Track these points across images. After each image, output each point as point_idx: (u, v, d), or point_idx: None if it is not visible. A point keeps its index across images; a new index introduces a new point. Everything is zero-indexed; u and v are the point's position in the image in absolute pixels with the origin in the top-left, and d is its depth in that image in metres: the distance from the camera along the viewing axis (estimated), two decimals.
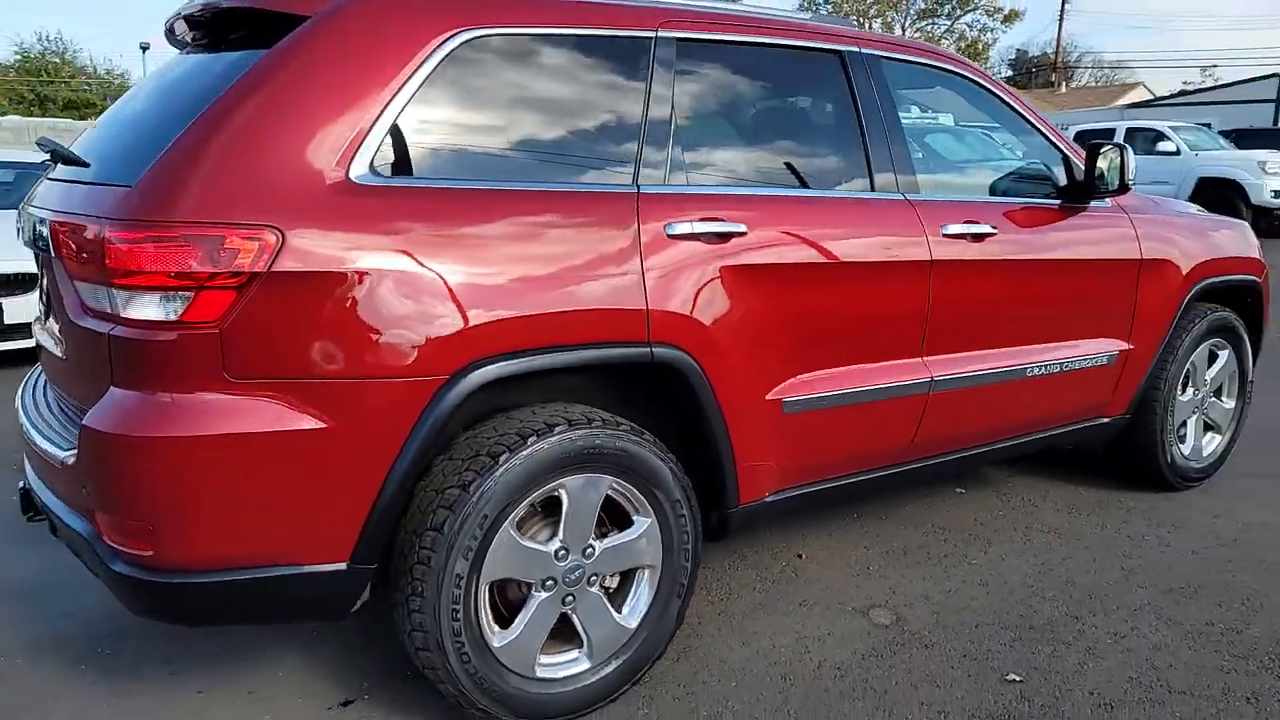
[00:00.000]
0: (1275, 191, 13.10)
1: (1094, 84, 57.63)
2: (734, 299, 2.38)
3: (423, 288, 1.97)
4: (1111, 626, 2.79)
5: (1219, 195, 12.73)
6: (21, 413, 2.36)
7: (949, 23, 51.72)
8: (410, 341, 1.96)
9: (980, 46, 52.30)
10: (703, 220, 2.35)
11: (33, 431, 2.20)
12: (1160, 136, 14.74)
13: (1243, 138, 16.15)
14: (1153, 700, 2.41)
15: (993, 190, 3.31)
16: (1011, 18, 50.58)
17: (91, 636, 2.71)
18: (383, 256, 1.94)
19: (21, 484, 2.40)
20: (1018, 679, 2.50)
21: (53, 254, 2.06)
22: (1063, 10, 48.54)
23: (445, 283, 1.99)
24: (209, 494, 1.87)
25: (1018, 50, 56.18)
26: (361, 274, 1.92)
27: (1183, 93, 32.96)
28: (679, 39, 2.44)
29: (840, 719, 2.34)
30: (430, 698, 2.36)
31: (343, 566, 2.00)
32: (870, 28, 51.46)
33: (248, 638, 2.70)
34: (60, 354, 2.20)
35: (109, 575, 1.95)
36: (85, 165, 2.11)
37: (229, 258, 1.81)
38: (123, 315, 1.84)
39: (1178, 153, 14.21)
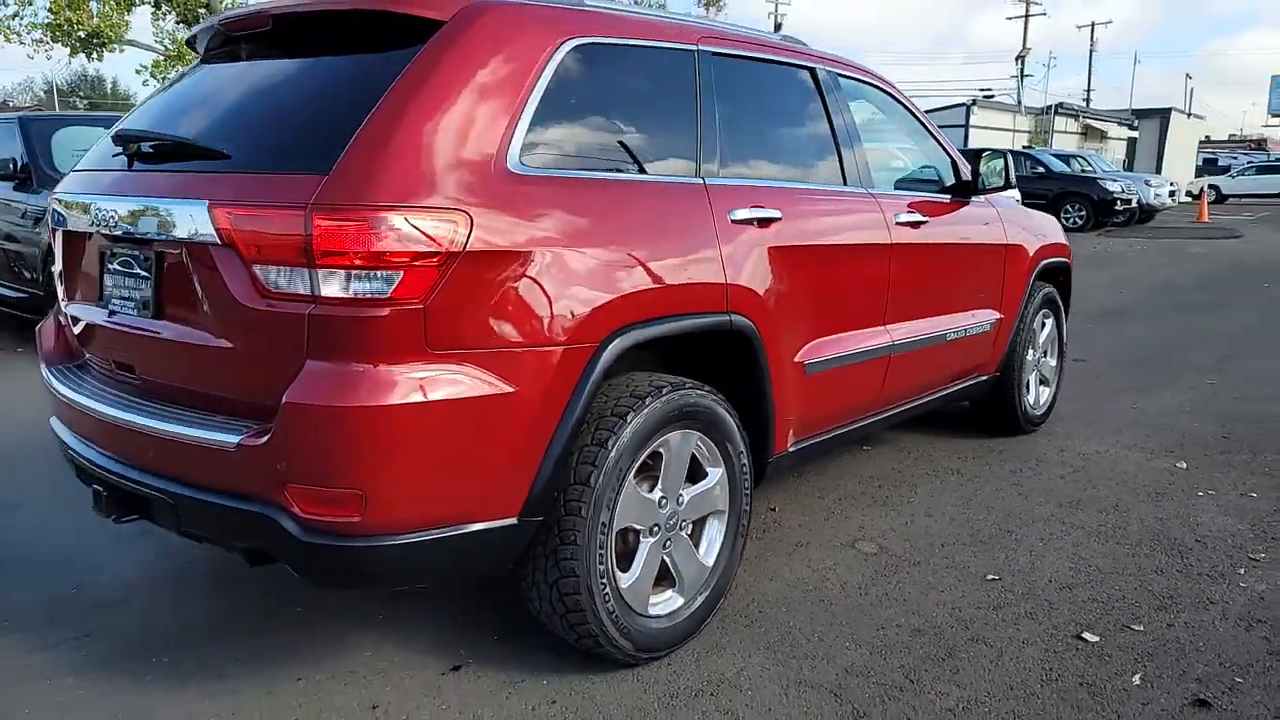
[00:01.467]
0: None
1: None
2: (776, 275, 2.79)
3: (574, 264, 2.21)
4: (1037, 534, 3.48)
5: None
6: (116, 410, 2.29)
7: None
8: (570, 311, 2.19)
9: None
10: (752, 208, 2.74)
11: (163, 424, 2.17)
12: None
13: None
14: (1091, 580, 3.08)
15: (899, 186, 3.95)
16: None
17: (173, 638, 2.63)
18: (543, 237, 2.16)
19: (99, 488, 2.34)
20: (994, 578, 3.10)
21: (191, 242, 2.08)
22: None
23: (589, 259, 2.24)
24: (415, 459, 2.00)
25: None
26: (529, 253, 2.13)
27: None
28: (713, 53, 2.82)
29: (883, 622, 2.80)
30: (526, 653, 2.59)
31: (514, 521, 2.18)
32: None
33: (312, 625, 2.73)
34: (171, 340, 2.20)
35: (297, 549, 2.01)
36: (226, 157, 2.13)
37: (436, 239, 1.97)
38: (328, 295, 1.93)
39: None
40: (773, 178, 2.97)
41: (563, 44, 2.36)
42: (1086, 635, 2.73)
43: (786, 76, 3.18)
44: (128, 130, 2.36)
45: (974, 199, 4.01)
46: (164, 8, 30.32)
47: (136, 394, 2.35)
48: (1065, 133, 35.27)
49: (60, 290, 2.74)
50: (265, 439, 1.99)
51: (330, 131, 2.03)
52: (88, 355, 2.66)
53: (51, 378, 2.64)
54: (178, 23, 30.67)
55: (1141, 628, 2.78)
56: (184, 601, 2.95)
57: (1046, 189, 19.28)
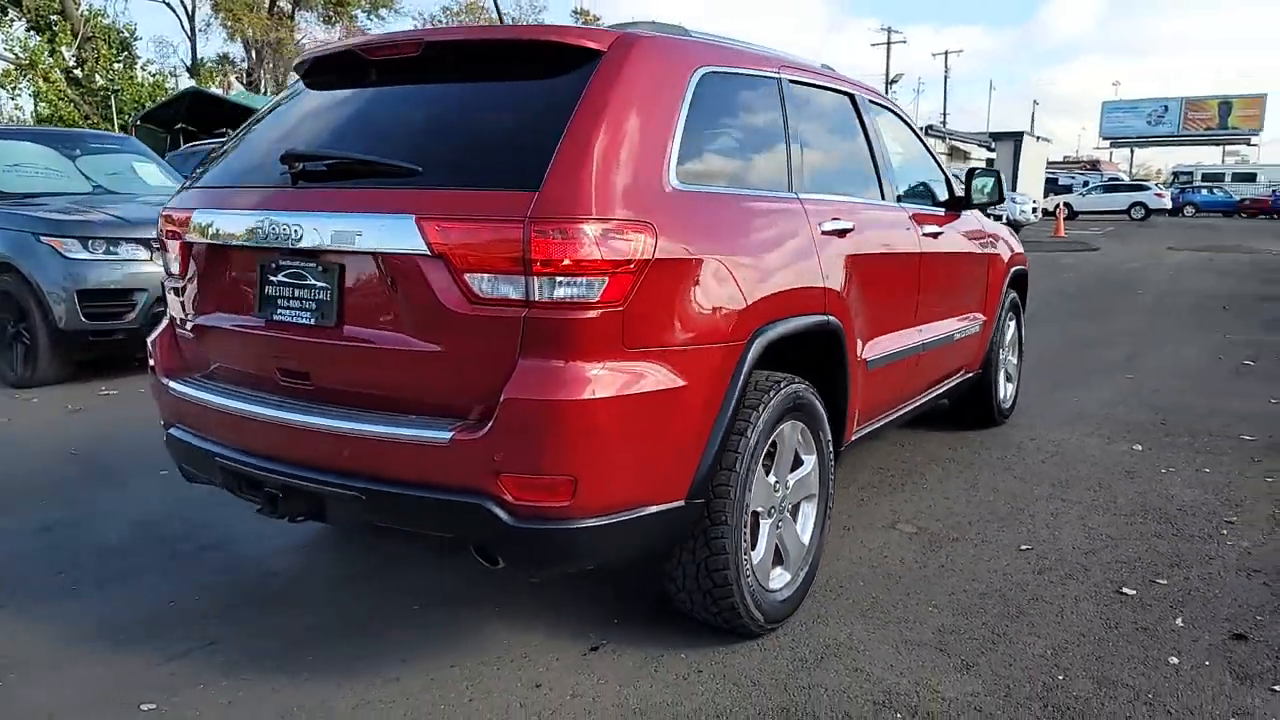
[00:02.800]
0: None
1: None
2: (851, 280, 3.10)
3: (725, 271, 2.46)
4: (1044, 510, 3.91)
5: None
6: (297, 415, 2.39)
7: None
8: (725, 313, 2.44)
9: None
10: (833, 220, 3.05)
11: (361, 425, 2.28)
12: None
13: None
14: (1106, 545, 3.52)
15: (903, 199, 4.34)
16: None
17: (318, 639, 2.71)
18: (702, 246, 2.40)
19: (273, 491, 2.43)
20: (1027, 548, 3.50)
21: (400, 253, 2.22)
22: None
23: (736, 266, 2.50)
24: (617, 446, 2.21)
25: None
26: (695, 260, 2.37)
27: None
28: (790, 80, 3.12)
29: (950, 589, 3.14)
30: (652, 632, 2.81)
31: (681, 504, 2.40)
32: None
33: (434, 621, 2.86)
34: (358, 346, 2.33)
35: (507, 533, 2.17)
36: (417, 173, 2.28)
37: (631, 248, 2.18)
38: (541, 300, 2.12)
39: None
40: (837, 193, 3.29)
41: (696, 71, 2.60)
42: (1125, 590, 3.14)
43: (838, 102, 3.51)
44: (298, 150, 2.45)
45: (964, 213, 4.44)
46: (10, 12, 28.53)
47: (310, 398, 2.44)
48: None
49: (180, 303, 2.78)
50: (483, 432, 2.15)
51: (529, 151, 2.21)
52: (217, 365, 2.72)
53: (187, 389, 2.69)
54: (28, 29, 28.92)
55: (1165, 581, 3.21)
56: (298, 607, 3.01)
57: None
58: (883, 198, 3.63)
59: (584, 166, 2.18)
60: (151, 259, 6.41)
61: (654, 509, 2.33)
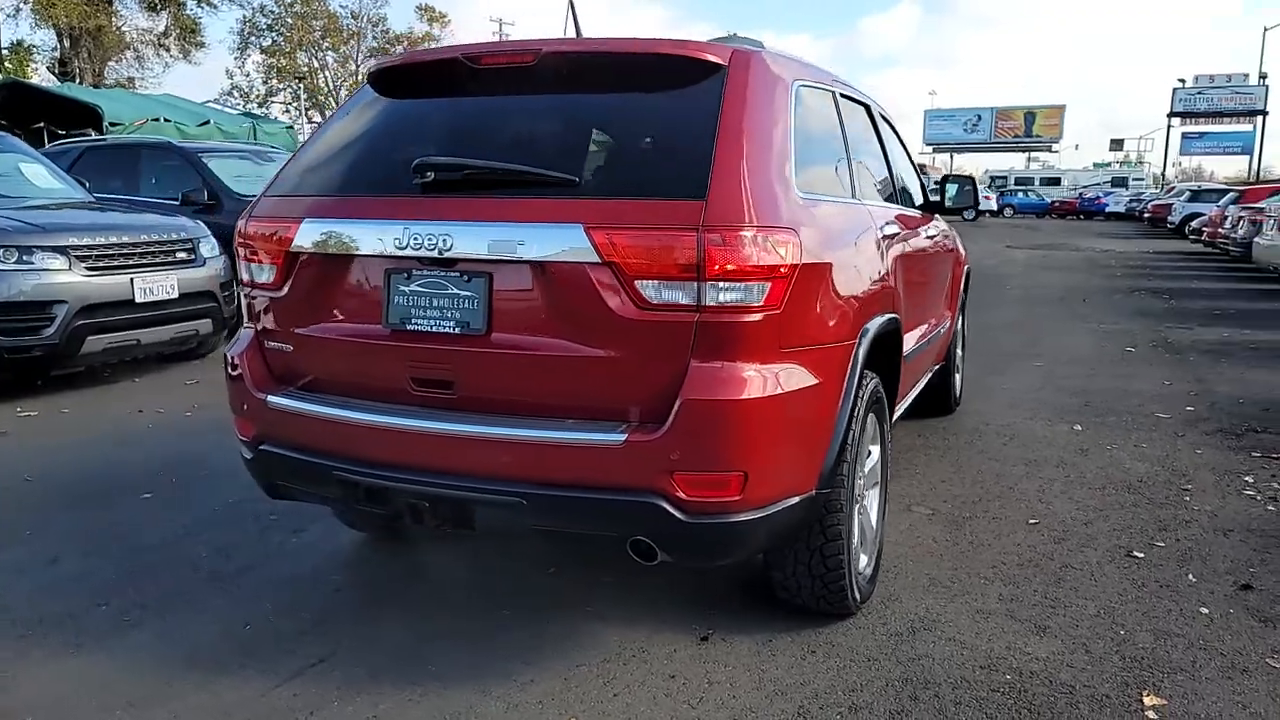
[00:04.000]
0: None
1: None
2: (900, 280, 3.34)
3: (842, 274, 2.63)
4: (1029, 487, 4.29)
5: None
6: (450, 425, 2.38)
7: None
8: (845, 313, 2.61)
9: None
10: (886, 223, 3.28)
11: (525, 432, 2.31)
12: None
13: None
14: (1098, 516, 3.92)
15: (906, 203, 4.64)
16: None
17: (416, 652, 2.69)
18: (828, 251, 2.56)
19: (420, 503, 2.42)
20: (1034, 521, 3.84)
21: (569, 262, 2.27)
22: None
23: (847, 270, 2.67)
24: (779, 442, 2.34)
25: None
26: (825, 264, 2.53)
27: None
28: (840, 94, 3.32)
29: (989, 562, 3.43)
30: (751, 617, 2.96)
31: (813, 494, 2.55)
32: (324, 60, 51.71)
33: (528, 623, 2.90)
34: (514, 353, 2.36)
35: (678, 529, 2.26)
36: (574, 182, 2.32)
37: (786, 254, 2.31)
38: (712, 304, 2.22)
39: None
40: (878, 199, 3.52)
41: (794, 85, 2.76)
42: (1135, 553, 3.52)
43: (864, 112, 3.75)
44: (433, 160, 2.43)
45: (936, 215, 4.79)
46: None
47: (453, 406, 2.43)
48: None
49: (275, 315, 2.69)
50: (659, 433, 2.23)
51: (686, 162, 2.31)
52: (315, 377, 2.65)
53: (291, 402, 2.61)
54: None
55: (1162, 544, 3.62)
56: (383, 620, 2.96)
57: None
58: (898, 201, 3.90)
59: (740, 176, 2.30)
60: (70, 269, 6.00)
61: (796, 499, 2.47)
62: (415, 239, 2.37)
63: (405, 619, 2.96)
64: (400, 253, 2.41)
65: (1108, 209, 42.16)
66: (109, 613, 3.02)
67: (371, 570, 3.38)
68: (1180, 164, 54.45)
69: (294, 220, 2.59)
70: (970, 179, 4.75)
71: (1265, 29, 44.46)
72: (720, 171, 2.28)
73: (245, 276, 2.79)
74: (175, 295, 6.70)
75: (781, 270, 2.31)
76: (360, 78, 51.81)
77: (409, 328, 2.46)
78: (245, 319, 2.86)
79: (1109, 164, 62.64)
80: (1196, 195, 27.29)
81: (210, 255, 7.15)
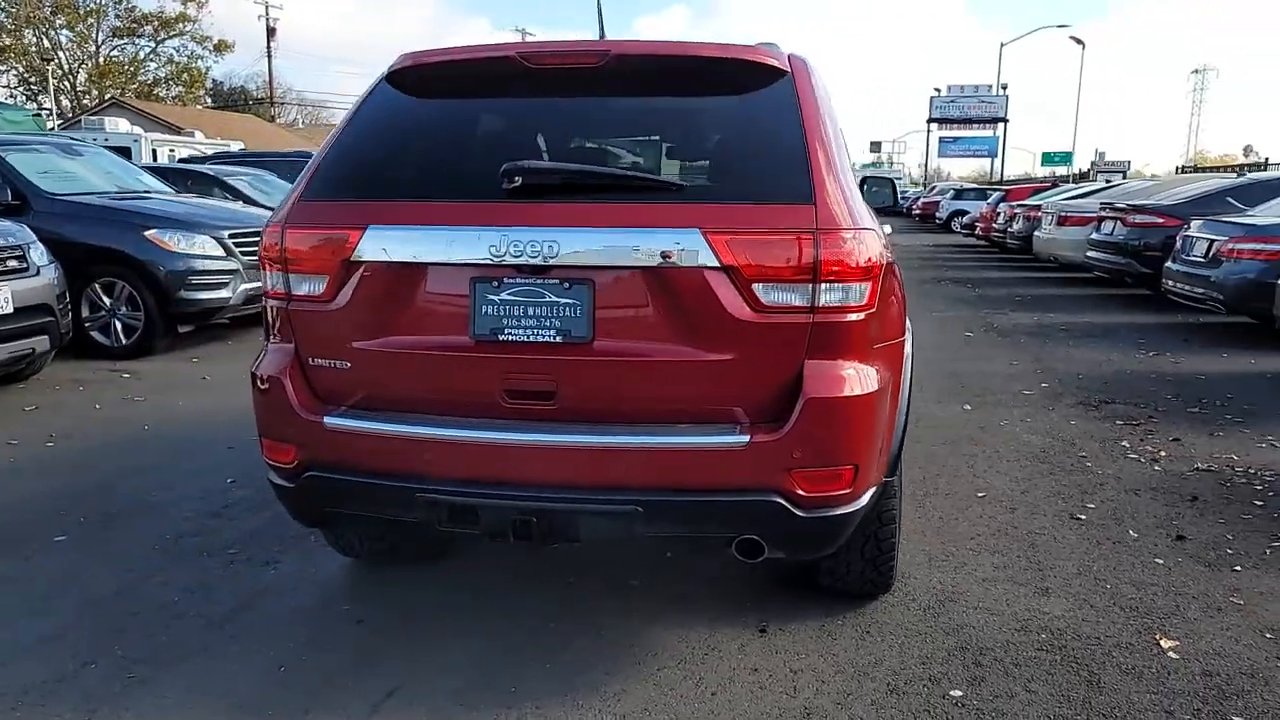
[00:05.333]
0: None
1: (300, 120, 61.49)
2: None
3: (895, 272, 2.77)
4: (962, 464, 4.67)
5: None
6: (560, 437, 2.30)
7: (152, 45, 49.92)
8: (902, 309, 2.76)
9: (194, 74, 51.61)
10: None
11: (647, 439, 2.28)
12: None
13: None
14: (1029, 486, 4.33)
15: None
16: (222, 48, 51.00)
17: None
18: (887, 252, 2.69)
19: (528, 519, 2.34)
20: (982, 495, 4.20)
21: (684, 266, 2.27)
22: (270, 47, 51.03)
23: (896, 267, 2.82)
24: (879, 434, 2.46)
25: (214, 81, 56.38)
26: (892, 263, 2.67)
27: None
28: None
29: (967, 534, 3.72)
30: (795, 605, 3.07)
31: (884, 481, 2.68)
32: (58, 41, 46.61)
33: (582, 634, 2.87)
34: (622, 360, 2.34)
35: (794, 524, 2.33)
36: (682, 188, 2.32)
37: (878, 254, 2.43)
38: (825, 305, 2.30)
39: None
40: None
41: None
42: (1079, 516, 3.94)
43: None
44: (522, 164, 2.34)
45: None
46: None
47: (554, 417, 2.36)
48: None
49: (327, 329, 2.50)
50: (782, 432, 2.28)
51: (785, 166, 2.37)
52: (369, 393, 2.49)
53: (355, 422, 2.44)
54: None
55: (1094, 506, 4.07)
56: (445, 636, 2.82)
57: None
58: None
59: (836, 180, 2.39)
60: None
61: (876, 488, 2.60)
62: (515, 246, 2.29)
63: (452, 642, 2.83)
64: (495, 260, 2.31)
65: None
66: (105, 672, 2.68)
67: (378, 597, 3.19)
68: (923, 165, 60.02)
69: (354, 227, 2.41)
70: (890, 180, 5.07)
71: (1002, 44, 49.78)
72: (818, 175, 2.36)
73: (277, 288, 2.56)
74: (10, 310, 5.93)
75: (874, 270, 2.42)
76: (102, 60, 47.68)
77: (501, 338, 2.36)
78: (273, 334, 2.63)
79: (870, 164, 67.79)
80: (960, 194, 30.19)
81: (43, 263, 6.37)
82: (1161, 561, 3.47)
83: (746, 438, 2.28)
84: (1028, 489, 4.28)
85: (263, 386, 2.57)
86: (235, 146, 25.57)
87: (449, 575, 3.34)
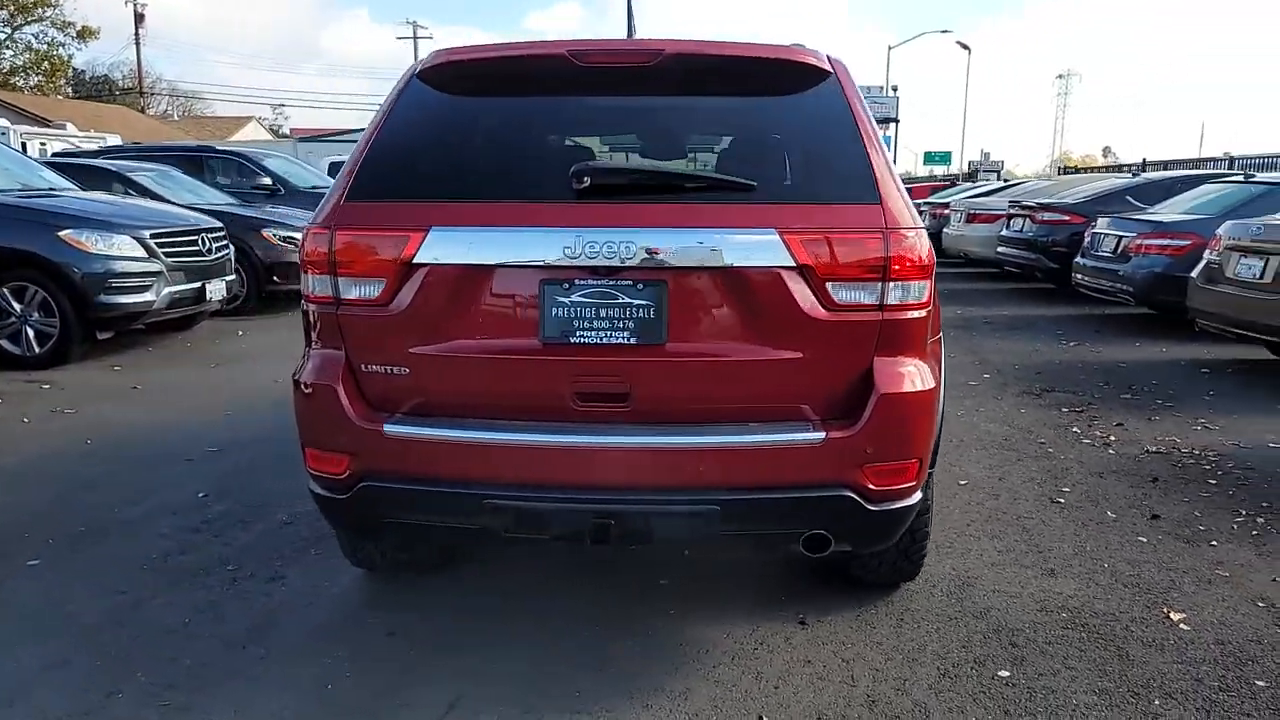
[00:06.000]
0: None
1: (172, 111, 58.48)
2: None
3: None
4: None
5: None
6: (637, 439, 2.29)
7: (9, 32, 46.81)
8: (938, 308, 2.83)
9: (56, 62, 48.59)
10: None
11: (726, 439, 2.28)
12: None
13: None
14: (1003, 473, 4.53)
15: None
16: (86, 34, 48.14)
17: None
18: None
19: (600, 523, 2.32)
20: (964, 483, 4.36)
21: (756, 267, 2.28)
22: (138, 33, 48.53)
23: None
24: (934, 428, 2.53)
25: (75, 70, 53.07)
26: (933, 262, 2.74)
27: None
28: None
29: (963, 521, 3.86)
30: (824, 598, 3.13)
31: (930, 472, 2.76)
32: None
33: (626, 635, 2.86)
34: (697, 360, 2.35)
35: (864, 518, 2.38)
36: (752, 188, 2.33)
37: (930, 252, 2.50)
38: (891, 303, 2.36)
39: None
40: None
41: None
42: (1058, 499, 4.13)
43: None
44: (594, 165, 2.31)
45: None
46: None
47: (627, 419, 2.33)
48: None
49: (383, 333, 2.41)
50: (856, 428, 2.33)
51: (850, 165, 2.41)
52: (425, 399, 2.42)
53: (418, 430, 2.36)
54: None
55: (1069, 489, 4.28)
56: (492, 647, 2.76)
57: None
58: None
59: (893, 180, 2.45)
60: None
61: (919, 481, 2.67)
62: (590, 247, 2.26)
63: (498, 650, 2.78)
64: (568, 262, 2.28)
65: None
66: (134, 699, 2.53)
67: (402, 607, 3.09)
68: None
69: (415, 229, 2.34)
70: None
71: (890, 48, 51.45)
72: (880, 175, 2.42)
73: (323, 292, 2.45)
74: None
75: (930, 269, 2.49)
76: None
77: (572, 341, 2.33)
78: (314, 340, 2.52)
79: None
80: None
81: None
82: (1145, 540, 3.67)
83: (822, 434, 2.32)
84: (1003, 475, 4.47)
85: (309, 394, 2.47)
86: (112, 140, 24.20)
87: (466, 581, 3.28)
